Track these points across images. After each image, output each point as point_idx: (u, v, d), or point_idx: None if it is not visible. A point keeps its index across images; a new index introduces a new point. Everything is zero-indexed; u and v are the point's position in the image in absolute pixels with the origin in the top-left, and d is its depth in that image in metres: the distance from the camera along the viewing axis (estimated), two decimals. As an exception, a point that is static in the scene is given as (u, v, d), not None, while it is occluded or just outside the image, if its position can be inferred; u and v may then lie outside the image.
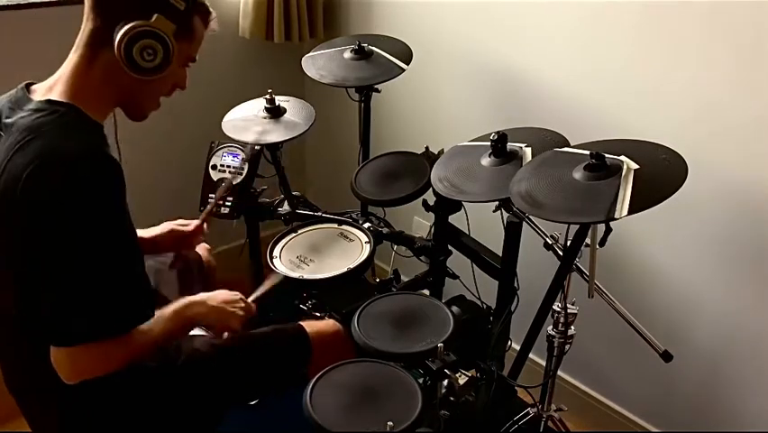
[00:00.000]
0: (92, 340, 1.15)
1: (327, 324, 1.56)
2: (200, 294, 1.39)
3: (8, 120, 1.17)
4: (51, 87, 1.20)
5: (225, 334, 1.42)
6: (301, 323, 1.54)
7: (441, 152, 1.79)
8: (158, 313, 1.27)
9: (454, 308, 1.66)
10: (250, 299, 1.50)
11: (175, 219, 1.70)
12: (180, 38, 1.20)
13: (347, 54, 1.99)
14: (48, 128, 1.13)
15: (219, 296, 1.41)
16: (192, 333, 1.41)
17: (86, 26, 1.19)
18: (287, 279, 1.62)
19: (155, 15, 1.15)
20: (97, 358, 1.17)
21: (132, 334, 1.20)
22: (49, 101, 1.16)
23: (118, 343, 1.18)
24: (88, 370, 1.17)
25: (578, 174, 1.32)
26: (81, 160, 1.10)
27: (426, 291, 1.92)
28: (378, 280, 1.93)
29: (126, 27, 1.14)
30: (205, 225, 1.71)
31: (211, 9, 1.29)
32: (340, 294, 1.74)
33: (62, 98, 1.17)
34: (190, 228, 1.68)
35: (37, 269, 1.13)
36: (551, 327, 1.60)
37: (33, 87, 1.23)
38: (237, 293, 1.46)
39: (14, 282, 1.18)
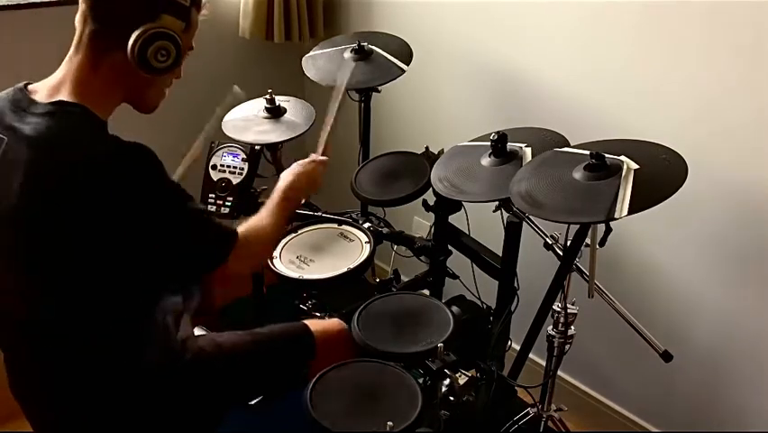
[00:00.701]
0: (225, 256, 1.27)
1: (332, 322, 1.56)
2: (284, 179, 1.54)
3: (14, 124, 1.15)
4: (57, 88, 1.18)
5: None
6: (306, 322, 1.54)
7: (441, 151, 1.78)
8: (259, 214, 1.43)
9: (454, 308, 1.66)
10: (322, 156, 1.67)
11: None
12: (183, 32, 1.21)
13: (347, 54, 1.99)
14: (71, 132, 1.13)
15: (299, 167, 1.59)
16: (196, 332, 1.41)
17: (84, 28, 1.17)
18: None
19: (162, 15, 1.16)
20: (240, 258, 1.29)
21: (240, 245, 1.30)
22: (59, 102, 1.15)
23: (234, 258, 1.28)
24: (239, 270, 1.33)
25: (578, 174, 1.32)
26: (121, 152, 1.13)
27: (426, 291, 1.92)
28: (378, 280, 1.93)
29: (139, 30, 1.14)
30: None
31: None
32: (340, 294, 1.74)
33: (72, 99, 1.16)
34: None
35: (137, 251, 1.17)
36: (551, 327, 1.60)
37: (31, 87, 1.21)
38: (309, 158, 1.64)
39: (60, 290, 1.17)
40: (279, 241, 1.69)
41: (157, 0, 1.17)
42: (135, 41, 1.14)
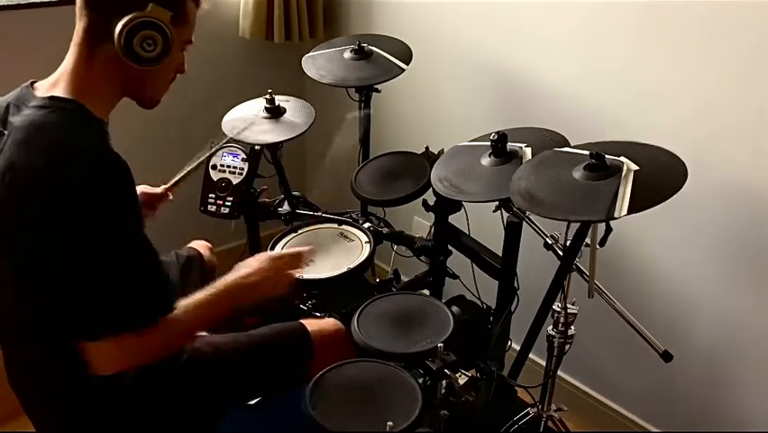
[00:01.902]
0: (123, 331, 1.14)
1: (328, 322, 1.56)
2: (244, 269, 1.34)
3: (13, 118, 1.17)
4: (54, 84, 1.20)
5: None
6: (302, 321, 1.54)
7: (441, 151, 1.79)
8: (184, 302, 1.23)
9: (454, 308, 1.66)
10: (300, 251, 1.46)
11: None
12: (176, 23, 1.19)
13: (347, 54, 1.99)
14: (53, 125, 1.13)
15: (261, 270, 1.34)
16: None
17: (79, 23, 1.19)
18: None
19: (149, 5, 1.15)
20: (132, 349, 1.16)
21: (165, 321, 1.18)
22: (52, 97, 1.16)
23: (151, 332, 1.17)
24: (124, 361, 1.17)
25: (578, 174, 1.32)
26: (89, 154, 1.10)
27: (426, 291, 1.92)
28: (378, 280, 1.93)
29: (124, 20, 1.13)
30: (170, 195, 1.71)
31: None
32: (340, 294, 1.74)
33: (66, 95, 1.17)
34: (158, 191, 1.68)
35: (56, 265, 1.12)
36: (551, 327, 1.60)
37: (37, 84, 1.23)
38: (283, 254, 1.42)
39: (25, 282, 1.17)
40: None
41: None
42: (121, 31, 1.13)
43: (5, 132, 1.17)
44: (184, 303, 1.22)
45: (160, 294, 1.19)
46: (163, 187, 1.69)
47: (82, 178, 1.08)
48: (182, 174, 1.72)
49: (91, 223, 1.10)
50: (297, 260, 1.43)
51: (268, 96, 1.89)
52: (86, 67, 1.19)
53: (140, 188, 1.62)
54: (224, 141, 1.81)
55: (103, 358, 1.15)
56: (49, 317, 1.17)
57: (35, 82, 1.23)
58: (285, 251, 1.43)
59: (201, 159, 1.75)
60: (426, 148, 1.89)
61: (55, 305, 1.15)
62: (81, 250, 1.10)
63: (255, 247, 2.07)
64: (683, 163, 1.30)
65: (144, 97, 1.28)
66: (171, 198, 1.71)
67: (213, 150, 1.90)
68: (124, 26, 1.13)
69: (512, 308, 1.68)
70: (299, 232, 1.82)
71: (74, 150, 1.11)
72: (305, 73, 1.98)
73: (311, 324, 1.53)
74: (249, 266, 1.35)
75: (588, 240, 1.41)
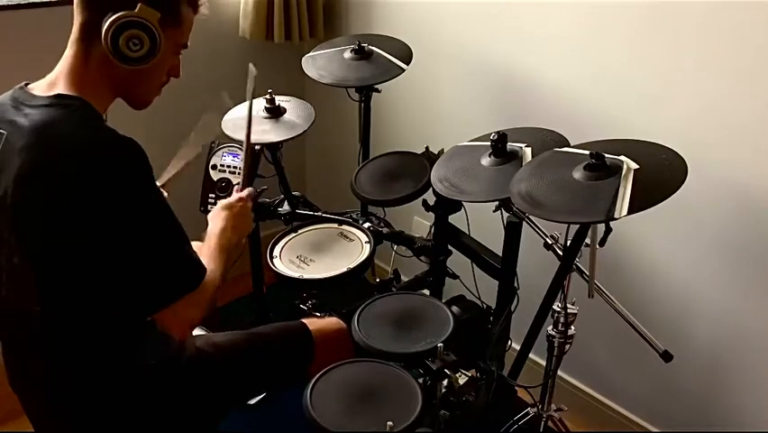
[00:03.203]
0: (187, 292, 1.21)
1: (330, 321, 1.56)
2: (214, 224, 1.44)
3: (13, 118, 1.16)
4: (54, 83, 1.19)
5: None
6: (304, 321, 1.54)
7: (441, 151, 1.79)
8: (208, 251, 1.35)
9: (454, 308, 1.66)
10: (245, 190, 1.54)
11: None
12: (167, 25, 1.19)
13: (347, 54, 1.99)
14: (65, 121, 1.13)
15: (224, 210, 1.46)
16: (195, 332, 1.41)
17: (76, 21, 1.19)
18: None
19: (139, 5, 1.15)
20: (196, 304, 1.23)
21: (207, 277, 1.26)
22: (58, 95, 1.16)
23: (203, 287, 1.24)
24: (196, 317, 1.25)
25: (578, 174, 1.32)
26: (109, 145, 1.12)
27: (426, 291, 1.92)
28: (378, 280, 1.93)
29: (111, 18, 1.13)
30: (165, 193, 1.71)
31: None
32: (340, 294, 1.74)
33: (70, 92, 1.17)
34: None
35: (114, 254, 1.14)
36: (551, 327, 1.60)
37: (31, 85, 1.22)
38: (233, 196, 1.51)
39: (50, 281, 1.17)
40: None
41: None
42: (107, 29, 1.14)
43: (3, 132, 1.17)
44: (206, 258, 1.32)
45: (195, 257, 1.26)
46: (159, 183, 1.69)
47: (106, 168, 1.10)
48: (173, 171, 1.71)
49: (126, 209, 1.13)
50: (250, 197, 1.52)
51: (268, 96, 1.89)
52: (82, 65, 1.19)
53: None
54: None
55: (180, 321, 1.23)
56: (114, 303, 1.20)
57: (28, 84, 1.23)
58: (234, 196, 1.52)
59: (188, 158, 1.73)
60: (426, 148, 1.89)
61: (121, 289, 1.18)
62: (129, 233, 1.14)
63: (255, 247, 2.07)
64: (683, 160, 1.30)
65: (134, 98, 1.28)
66: (167, 195, 1.70)
67: (213, 150, 1.91)
68: (110, 24, 1.14)
69: (512, 308, 1.68)
70: (299, 232, 1.82)
71: (91, 143, 1.12)
72: (305, 73, 1.98)
73: (312, 323, 1.53)
74: (217, 218, 1.45)
75: (588, 240, 1.41)
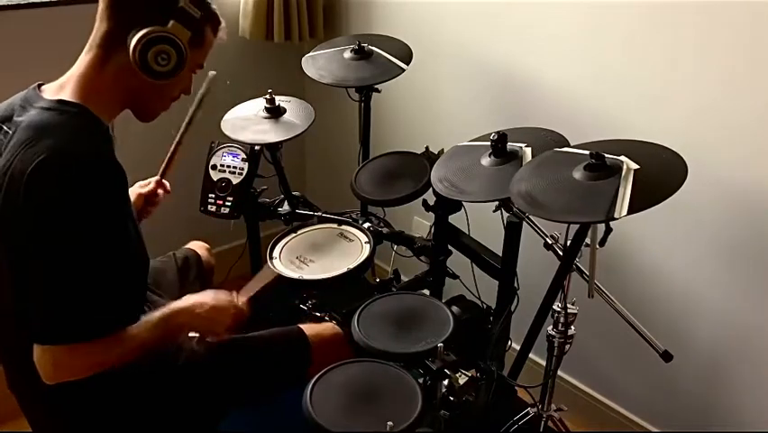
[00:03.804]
0: (75, 341, 1.13)
1: (326, 327, 1.56)
2: (189, 299, 1.33)
3: (18, 118, 1.18)
4: (63, 87, 1.20)
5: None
6: (300, 326, 1.54)
7: (441, 151, 1.79)
8: (145, 318, 1.24)
9: (454, 308, 1.66)
10: (242, 298, 1.42)
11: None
12: (193, 45, 1.22)
13: (347, 54, 1.99)
14: (57, 128, 1.14)
15: (208, 301, 1.33)
16: (191, 334, 1.40)
17: (99, 27, 1.20)
18: (281, 277, 1.59)
19: (171, 22, 1.17)
20: (79, 359, 1.16)
21: (118, 336, 1.18)
22: (60, 101, 1.17)
23: (102, 344, 1.16)
24: (69, 371, 1.16)
25: (578, 174, 1.32)
26: (86, 162, 1.11)
27: (426, 291, 1.92)
28: (378, 280, 1.93)
29: (143, 31, 1.15)
30: (167, 184, 1.70)
31: (221, 19, 1.30)
32: (340, 294, 1.74)
33: (73, 98, 1.18)
34: (152, 185, 1.68)
35: (29, 266, 1.13)
36: (551, 327, 1.60)
37: (44, 86, 1.23)
38: (229, 296, 1.38)
39: (15, 280, 1.18)
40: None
41: (170, 6, 1.18)
42: (138, 42, 1.15)
43: (10, 131, 1.17)
44: (134, 327, 1.21)
45: (125, 308, 1.20)
46: (155, 178, 1.69)
47: (63, 182, 1.09)
48: (168, 156, 1.71)
49: (65, 228, 1.10)
50: (239, 312, 1.38)
51: (268, 96, 1.89)
52: (98, 71, 1.20)
53: (134, 189, 1.63)
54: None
55: (50, 364, 1.14)
56: (25, 316, 1.17)
57: (42, 84, 1.24)
58: (228, 298, 1.38)
59: (179, 137, 1.73)
60: (426, 148, 1.89)
61: (29, 304, 1.15)
62: (51, 253, 1.11)
63: (255, 247, 2.07)
64: (683, 160, 1.30)
65: (144, 110, 1.29)
66: (169, 187, 1.70)
67: (213, 150, 1.91)
68: (143, 37, 1.15)
69: (512, 308, 1.68)
70: (299, 232, 1.82)
71: (72, 154, 1.11)
72: (305, 73, 1.98)
73: (309, 328, 1.53)
74: (192, 304, 1.32)
75: (588, 240, 1.41)
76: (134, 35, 1.15)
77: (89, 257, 1.13)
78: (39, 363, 1.15)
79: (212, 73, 1.63)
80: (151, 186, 1.67)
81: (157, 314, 1.26)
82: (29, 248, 1.12)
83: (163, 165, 1.70)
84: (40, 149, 1.10)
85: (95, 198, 1.11)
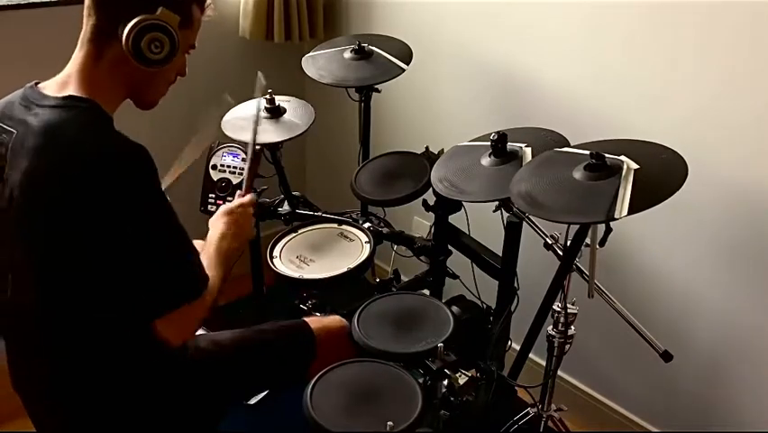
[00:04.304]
0: (183, 303, 1.21)
1: (333, 320, 1.56)
2: (215, 228, 1.45)
3: (24, 117, 1.17)
4: (65, 84, 1.20)
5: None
6: (306, 319, 1.54)
7: (441, 151, 1.79)
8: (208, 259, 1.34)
9: (454, 308, 1.66)
10: (246, 195, 1.54)
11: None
12: (182, 27, 1.21)
13: (347, 54, 1.99)
14: (76, 124, 1.14)
15: (227, 219, 1.46)
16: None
17: (87, 23, 1.20)
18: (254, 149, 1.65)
19: (160, 8, 1.17)
20: (194, 312, 1.24)
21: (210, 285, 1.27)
22: (69, 96, 1.17)
23: (201, 298, 1.24)
24: (190, 328, 1.26)
25: (578, 174, 1.32)
26: (117, 151, 1.13)
27: (426, 291, 1.92)
28: (378, 280, 1.93)
29: (134, 21, 1.14)
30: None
31: None
32: (340, 294, 1.74)
33: (81, 94, 1.18)
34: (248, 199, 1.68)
35: (114, 257, 1.14)
36: (551, 327, 1.60)
37: (41, 85, 1.23)
38: (235, 203, 1.51)
39: (52, 280, 1.17)
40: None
41: None
42: (130, 32, 1.15)
43: (12, 129, 1.17)
44: (206, 265, 1.31)
45: (200, 265, 1.26)
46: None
47: (116, 172, 1.11)
48: (175, 174, 1.70)
49: (135, 214, 1.13)
50: (252, 204, 1.52)
51: (268, 96, 1.89)
52: (94, 66, 1.20)
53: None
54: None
55: (173, 330, 1.22)
56: (113, 307, 1.20)
57: (39, 83, 1.24)
58: (235, 202, 1.52)
59: (191, 160, 1.73)
60: (426, 148, 1.89)
61: (121, 294, 1.19)
62: (132, 240, 1.14)
63: (255, 247, 2.07)
64: (684, 160, 1.30)
65: (145, 98, 1.29)
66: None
67: (213, 150, 1.90)
68: (133, 27, 1.15)
69: (512, 308, 1.68)
70: (299, 232, 1.82)
71: (101, 147, 1.12)
72: (305, 73, 1.98)
73: (314, 322, 1.53)
74: (219, 222, 1.45)
75: (588, 240, 1.41)
76: (125, 26, 1.15)
77: (173, 225, 1.20)
78: (167, 330, 1.21)
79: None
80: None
81: (207, 256, 1.35)
82: (102, 244, 1.13)
83: (168, 179, 1.69)
84: (64, 148, 1.11)
85: (139, 178, 1.14)
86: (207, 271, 1.28)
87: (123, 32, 1.15)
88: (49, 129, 1.13)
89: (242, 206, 1.50)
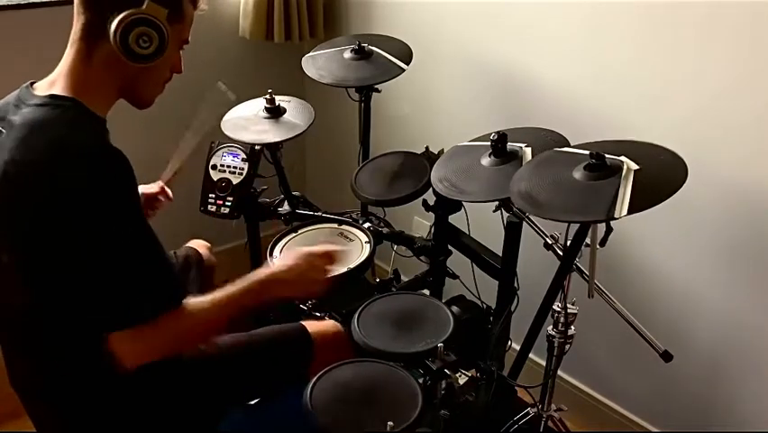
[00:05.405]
0: (151, 317, 1.14)
1: (328, 324, 1.56)
2: (279, 265, 1.33)
3: (12, 117, 1.18)
4: (53, 83, 1.20)
5: None
6: (303, 323, 1.54)
7: (441, 151, 1.79)
8: (224, 289, 1.24)
9: (454, 308, 1.66)
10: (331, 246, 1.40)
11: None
12: (172, 21, 1.20)
13: (347, 54, 1.99)
14: (54, 122, 1.14)
15: (298, 267, 1.32)
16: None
17: (77, 21, 1.19)
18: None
19: (146, 2, 1.15)
20: (150, 340, 1.16)
21: (183, 312, 1.19)
22: (51, 95, 1.17)
23: (167, 322, 1.17)
24: (144, 352, 1.17)
25: (578, 174, 1.32)
26: (90, 153, 1.11)
27: (426, 291, 1.92)
28: (378, 280, 1.93)
29: (120, 16, 1.14)
30: (168, 191, 1.70)
31: None
32: (340, 294, 1.74)
33: (65, 93, 1.17)
34: (154, 189, 1.68)
35: (66, 263, 1.12)
36: (551, 327, 1.60)
37: (36, 84, 1.23)
38: (319, 251, 1.36)
39: (36, 280, 1.17)
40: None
41: None
42: (117, 27, 1.14)
43: (4, 130, 1.17)
44: (211, 295, 1.23)
45: (168, 284, 1.21)
46: (158, 183, 1.69)
47: (85, 175, 1.09)
48: (175, 166, 1.71)
49: (97, 219, 1.10)
50: (331, 258, 1.39)
51: (268, 96, 1.89)
52: (84, 65, 1.19)
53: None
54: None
55: (124, 350, 1.15)
56: (65, 313, 1.18)
57: (34, 82, 1.24)
58: (319, 248, 1.36)
59: (189, 150, 1.72)
60: (426, 148, 1.89)
61: (71, 300, 1.16)
62: (89, 247, 1.11)
63: (255, 247, 2.07)
64: (683, 161, 1.30)
65: (139, 97, 1.28)
66: (171, 195, 1.71)
67: (213, 150, 1.91)
68: (120, 22, 1.14)
69: (512, 308, 1.68)
70: (299, 232, 1.82)
71: (75, 147, 1.11)
72: (305, 73, 1.98)
73: (312, 325, 1.53)
74: (285, 263, 1.33)
75: (588, 240, 1.41)
76: (112, 22, 1.14)
77: (123, 240, 1.13)
78: (119, 350, 1.14)
79: (220, 84, 1.64)
80: (154, 189, 1.67)
81: (229, 288, 1.25)
82: (57, 247, 1.11)
83: (169, 173, 1.69)
84: (40, 145, 1.10)
85: (108, 185, 1.11)
86: (219, 305, 1.22)
87: (110, 29, 1.14)
88: (26, 127, 1.13)
89: (327, 255, 1.36)
